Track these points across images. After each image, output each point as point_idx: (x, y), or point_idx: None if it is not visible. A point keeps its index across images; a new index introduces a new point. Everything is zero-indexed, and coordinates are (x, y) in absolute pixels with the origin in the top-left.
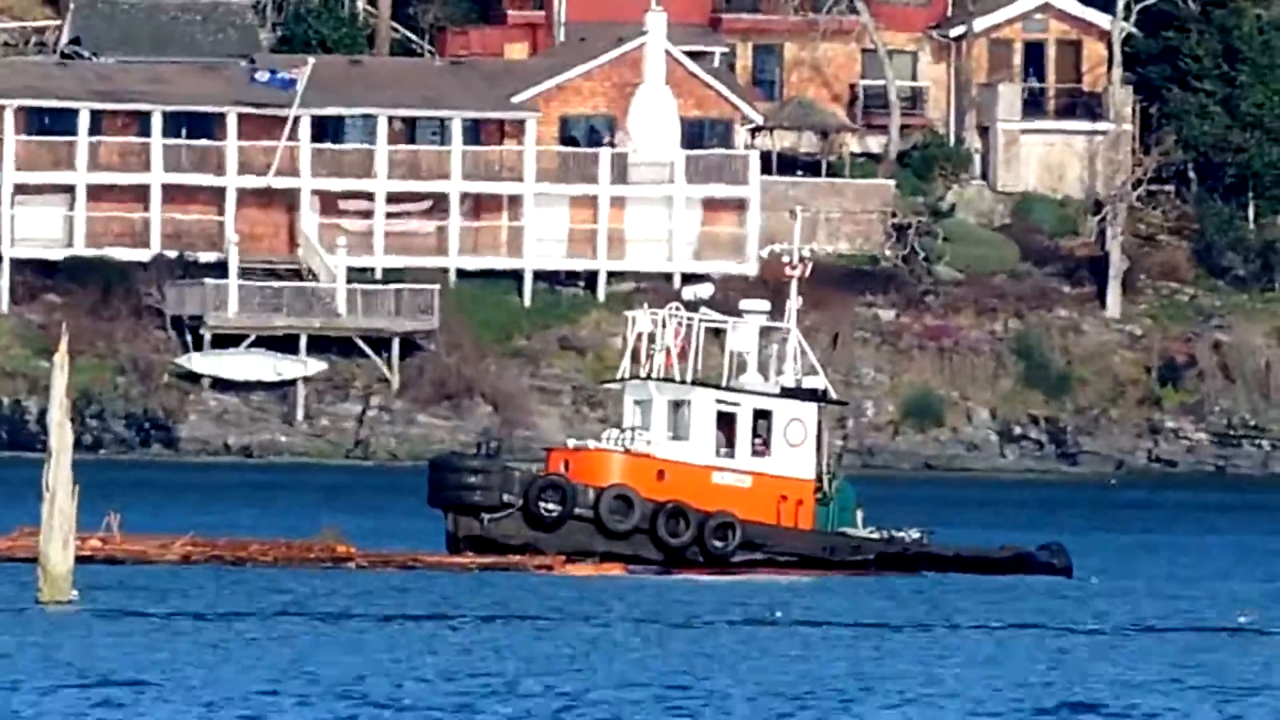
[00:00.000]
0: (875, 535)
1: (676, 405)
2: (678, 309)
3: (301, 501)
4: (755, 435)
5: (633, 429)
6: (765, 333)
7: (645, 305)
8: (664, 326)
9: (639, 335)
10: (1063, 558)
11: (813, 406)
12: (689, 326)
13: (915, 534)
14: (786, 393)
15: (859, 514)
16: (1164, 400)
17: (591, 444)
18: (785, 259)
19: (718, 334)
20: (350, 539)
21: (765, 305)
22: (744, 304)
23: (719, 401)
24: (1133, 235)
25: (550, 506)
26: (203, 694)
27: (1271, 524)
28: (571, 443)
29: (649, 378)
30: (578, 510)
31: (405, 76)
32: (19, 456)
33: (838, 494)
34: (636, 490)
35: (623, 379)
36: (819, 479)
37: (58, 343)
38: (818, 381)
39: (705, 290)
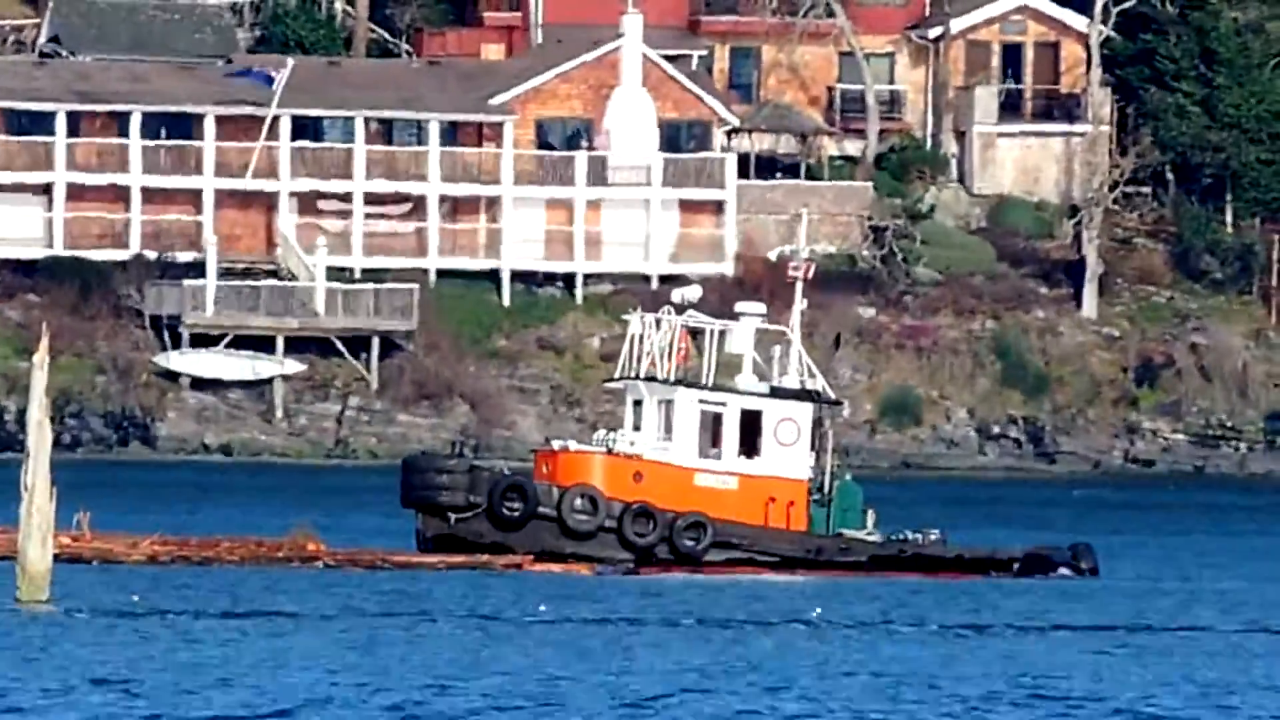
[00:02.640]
0: (873, 537)
1: (664, 405)
2: (671, 311)
3: (279, 500)
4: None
5: (617, 429)
6: (761, 334)
7: (638, 307)
8: (656, 328)
9: (634, 336)
10: (1089, 559)
11: (807, 407)
12: (695, 329)
13: (932, 535)
14: (777, 393)
15: (870, 515)
16: (1141, 401)
17: (573, 445)
18: (796, 260)
19: (695, 335)
20: (323, 537)
21: (761, 307)
22: (740, 306)
23: (703, 402)
24: (1109, 239)
25: (513, 507)
26: None
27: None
28: (557, 444)
29: (636, 378)
30: (542, 511)
31: (383, 77)
32: None
33: (840, 495)
34: (605, 491)
35: (622, 378)
36: (820, 480)
37: (37, 342)
38: (814, 382)
39: (693, 293)
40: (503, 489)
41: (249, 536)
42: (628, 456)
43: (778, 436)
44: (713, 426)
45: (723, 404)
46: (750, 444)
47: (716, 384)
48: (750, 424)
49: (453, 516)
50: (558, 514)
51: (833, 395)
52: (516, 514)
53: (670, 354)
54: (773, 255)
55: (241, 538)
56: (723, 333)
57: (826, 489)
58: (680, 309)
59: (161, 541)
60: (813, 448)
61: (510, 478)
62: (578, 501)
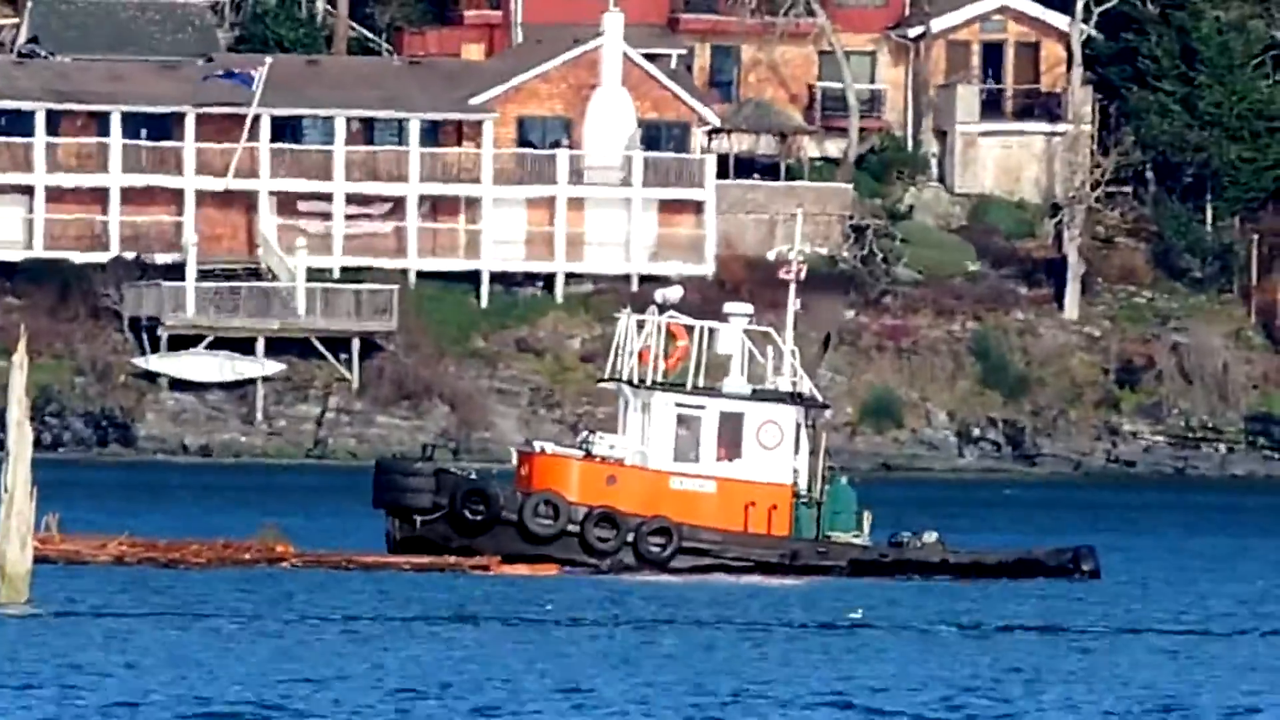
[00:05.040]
0: (859, 540)
1: (644, 408)
2: (656, 311)
3: (258, 501)
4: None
5: (595, 431)
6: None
7: (628, 306)
8: (639, 329)
9: (621, 337)
10: (1091, 561)
11: (790, 409)
12: (689, 329)
13: (930, 537)
14: (759, 395)
15: (866, 518)
16: (1122, 402)
17: (549, 447)
18: (793, 261)
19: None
20: (291, 538)
21: (748, 308)
22: (728, 306)
23: (680, 405)
24: (1090, 237)
25: (475, 510)
26: None
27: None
28: (538, 446)
29: (619, 380)
30: (505, 515)
31: (363, 77)
32: None
33: (832, 497)
34: (579, 494)
35: (611, 379)
36: (810, 483)
37: (16, 343)
38: (802, 384)
39: (675, 293)
40: (464, 493)
41: (217, 538)
42: (603, 459)
43: (760, 439)
44: (690, 430)
45: (701, 407)
46: (731, 447)
47: (696, 387)
48: (731, 427)
49: (418, 519)
50: (519, 519)
51: (820, 398)
52: (478, 518)
53: (661, 354)
54: (771, 255)
55: (209, 539)
56: (711, 333)
57: (817, 492)
58: (662, 309)
59: (129, 543)
60: (797, 450)
61: (472, 481)
62: (539, 507)
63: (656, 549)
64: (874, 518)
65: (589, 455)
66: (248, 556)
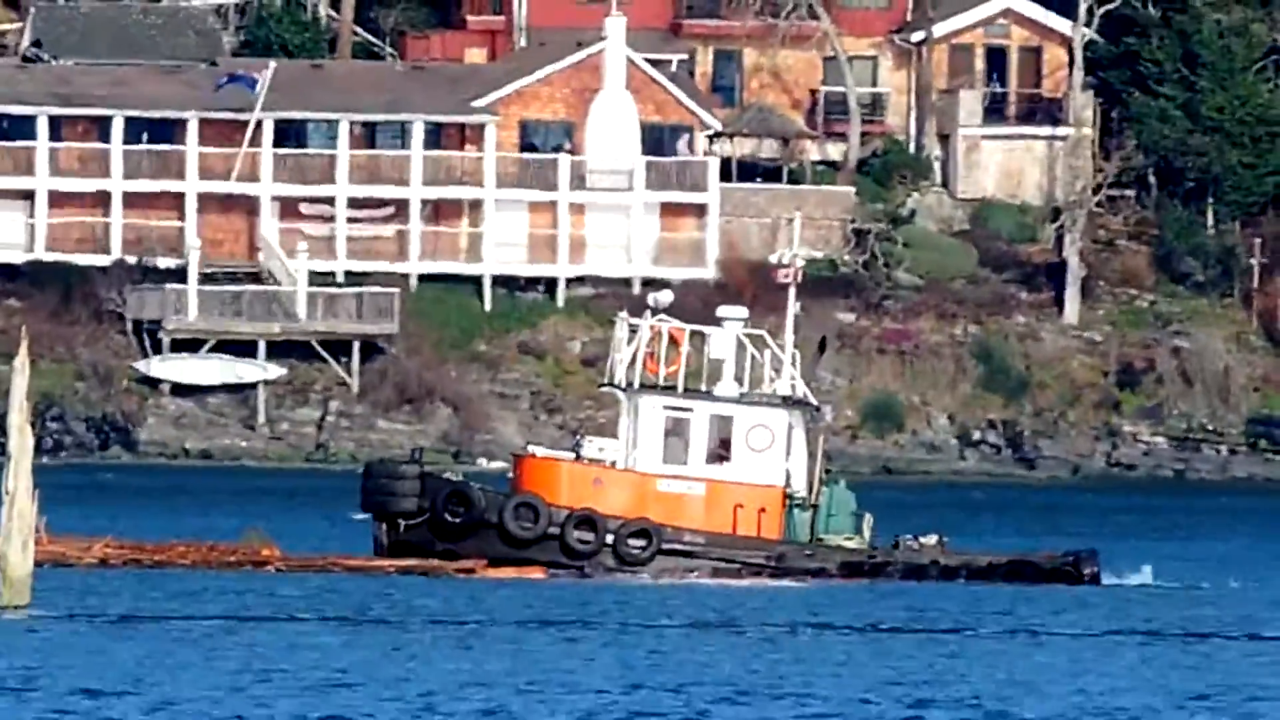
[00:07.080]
0: (852, 543)
1: (634, 411)
2: (650, 315)
3: (257, 506)
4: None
5: (586, 434)
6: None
7: (625, 310)
8: (632, 333)
9: (619, 341)
10: (1091, 565)
11: (781, 413)
12: (688, 332)
13: (930, 539)
14: (748, 399)
15: (867, 520)
16: (1122, 405)
17: (539, 451)
18: (787, 263)
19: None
20: (280, 541)
21: (743, 311)
22: (721, 310)
23: (668, 409)
24: (1092, 241)
25: (456, 513)
26: None
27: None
28: (530, 448)
29: (610, 384)
30: (486, 518)
31: (366, 81)
32: None
33: (829, 500)
34: (565, 497)
35: (610, 384)
36: (808, 485)
37: (18, 346)
38: (796, 387)
39: (666, 297)
40: (445, 496)
41: (203, 541)
42: (591, 462)
43: (750, 442)
44: (679, 433)
45: (689, 410)
46: (721, 450)
47: (686, 390)
48: (721, 430)
49: (403, 523)
50: (499, 521)
51: (813, 400)
52: (459, 521)
53: (662, 358)
54: (773, 258)
55: (195, 542)
56: (704, 336)
57: (813, 495)
58: (654, 312)
59: (115, 545)
60: (790, 453)
61: (453, 484)
62: (519, 510)
63: (636, 551)
64: (874, 520)
65: (579, 458)
66: (233, 559)
